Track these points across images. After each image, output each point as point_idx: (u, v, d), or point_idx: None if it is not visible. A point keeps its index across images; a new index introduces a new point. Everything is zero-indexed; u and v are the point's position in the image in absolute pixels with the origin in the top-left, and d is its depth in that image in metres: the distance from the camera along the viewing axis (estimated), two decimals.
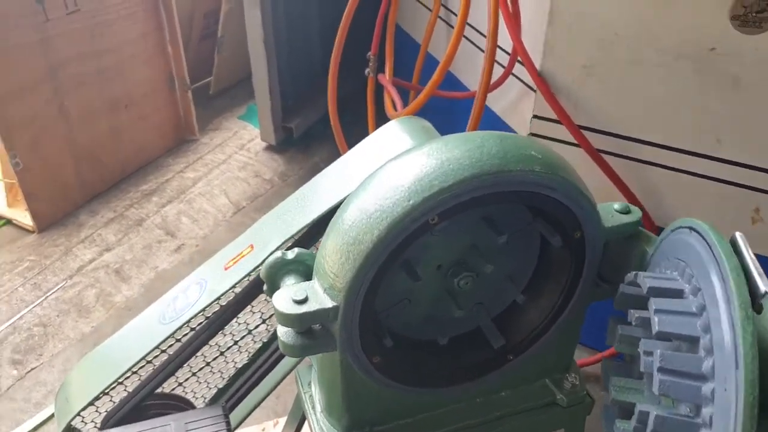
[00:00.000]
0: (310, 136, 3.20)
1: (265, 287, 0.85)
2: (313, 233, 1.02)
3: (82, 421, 1.16)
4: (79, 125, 2.62)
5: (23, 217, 2.55)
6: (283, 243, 0.99)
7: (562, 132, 1.57)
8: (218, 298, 1.00)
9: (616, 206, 0.88)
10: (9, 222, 2.58)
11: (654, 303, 0.68)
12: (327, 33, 3.16)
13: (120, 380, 1.11)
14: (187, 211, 2.69)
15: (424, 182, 0.67)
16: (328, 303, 0.72)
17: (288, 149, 3.16)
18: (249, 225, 1.09)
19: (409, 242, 0.70)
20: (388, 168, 0.72)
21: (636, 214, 0.88)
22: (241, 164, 3.04)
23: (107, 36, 2.63)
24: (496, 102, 1.98)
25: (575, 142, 1.55)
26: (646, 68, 1.40)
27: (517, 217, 0.83)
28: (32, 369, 1.96)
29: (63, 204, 2.63)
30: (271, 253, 0.97)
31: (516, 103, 1.88)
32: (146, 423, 1.03)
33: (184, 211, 2.68)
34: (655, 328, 0.65)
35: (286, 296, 0.72)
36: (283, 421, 1.55)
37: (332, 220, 0.76)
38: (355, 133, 2.71)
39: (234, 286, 1.00)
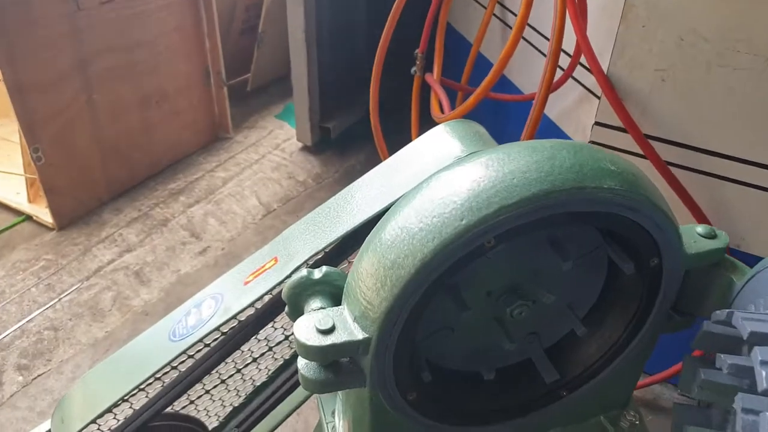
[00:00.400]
0: (347, 137, 3.15)
1: (286, 309, 0.78)
2: (344, 248, 0.94)
3: None
4: (108, 120, 2.61)
5: (43, 213, 2.55)
6: (310, 257, 0.91)
7: (626, 141, 1.47)
8: (234, 317, 0.93)
9: (700, 229, 0.79)
10: (29, 218, 2.58)
11: (759, 353, 0.58)
12: (372, 30, 3.09)
13: (122, 400, 1.06)
14: (215, 212, 2.65)
15: (481, 198, 0.59)
16: (359, 334, 0.64)
17: (324, 151, 3.12)
18: (279, 229, 1.03)
19: (457, 268, 0.62)
20: (438, 179, 0.63)
21: (723, 239, 0.79)
22: (275, 165, 3.00)
23: (141, 28, 2.62)
24: (553, 107, 1.89)
25: (641, 153, 1.44)
26: (731, 73, 1.28)
27: (585, 239, 0.75)
28: (39, 375, 1.93)
29: (87, 201, 2.62)
30: (295, 270, 0.91)
31: (574, 109, 1.78)
32: None
33: (211, 212, 2.65)
34: (763, 385, 0.56)
35: (310, 325, 0.65)
36: None
37: (369, 236, 0.68)
38: (396, 137, 2.64)
39: (252, 304, 0.93)
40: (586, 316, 0.85)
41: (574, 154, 0.62)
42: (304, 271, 0.75)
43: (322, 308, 0.73)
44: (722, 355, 0.63)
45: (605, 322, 0.83)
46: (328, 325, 0.64)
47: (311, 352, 0.64)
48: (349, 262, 1.07)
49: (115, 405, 1.05)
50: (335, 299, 0.75)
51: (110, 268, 2.31)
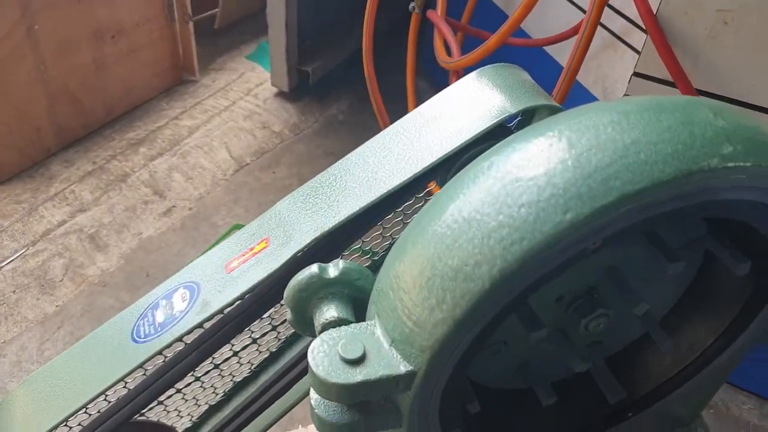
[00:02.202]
0: (328, 82, 2.96)
1: (289, 316, 0.62)
2: (355, 228, 0.77)
3: None
4: (54, 56, 2.37)
5: None
6: (312, 241, 0.74)
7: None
8: (215, 314, 0.76)
9: None
10: None
11: None
12: None
13: (80, 411, 0.90)
14: (181, 167, 2.45)
15: (595, 181, 0.42)
16: (401, 367, 0.48)
17: (302, 97, 2.92)
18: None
19: (547, 279, 0.45)
20: (520, 149, 0.46)
21: None
22: (247, 112, 2.81)
23: None
24: (563, 54, 1.73)
25: None
26: None
27: (685, 229, 0.59)
28: None
29: (31, 151, 2.40)
30: (294, 255, 0.74)
31: (593, 58, 1.62)
32: None
33: (176, 167, 2.45)
34: None
35: (331, 351, 0.48)
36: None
37: (411, 226, 0.51)
38: (390, 83, 2.48)
39: (239, 299, 0.76)
40: (662, 320, 0.71)
41: (716, 117, 0.45)
42: (314, 268, 0.59)
43: (339, 319, 0.57)
44: None
45: (687, 330, 0.71)
46: (358, 353, 0.48)
47: (335, 391, 0.47)
48: (363, 247, 0.91)
49: (65, 420, 0.89)
50: (352, 302, 0.59)
51: (61, 231, 2.12)
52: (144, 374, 0.92)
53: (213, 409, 1.16)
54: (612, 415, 0.72)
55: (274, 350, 1.11)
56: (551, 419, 0.71)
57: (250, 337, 1.06)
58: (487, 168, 0.46)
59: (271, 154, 2.61)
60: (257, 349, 1.09)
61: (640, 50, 1.36)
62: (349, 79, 3.00)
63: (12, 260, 2.00)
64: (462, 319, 0.45)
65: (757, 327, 0.66)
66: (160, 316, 0.80)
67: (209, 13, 3.24)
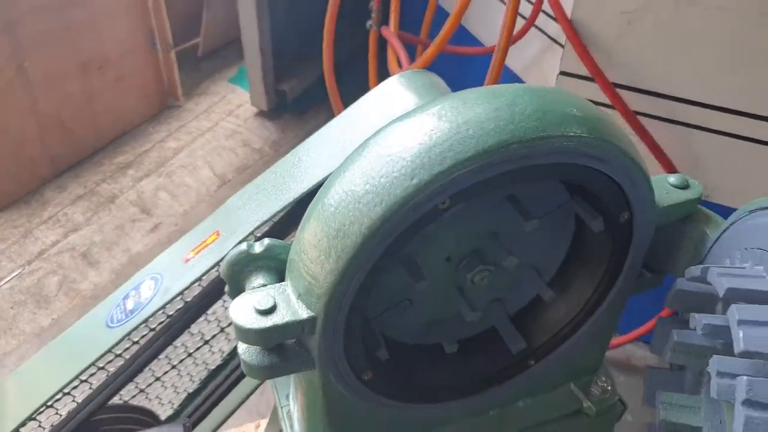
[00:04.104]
0: (306, 100, 3.08)
1: (226, 288, 0.72)
2: (293, 216, 0.88)
3: None
4: (45, 90, 2.48)
5: None
6: (255, 229, 0.85)
7: (593, 91, 1.43)
8: (176, 297, 0.87)
9: (672, 179, 0.75)
10: None
11: (737, 311, 0.55)
12: None
13: (65, 391, 0.99)
14: (167, 186, 2.56)
15: (434, 153, 0.53)
16: (303, 313, 0.59)
17: (281, 115, 3.04)
18: None
19: (410, 234, 0.56)
20: (385, 134, 0.57)
21: (696, 189, 0.76)
22: (229, 132, 2.91)
23: None
24: (515, 59, 1.83)
25: (609, 103, 1.40)
26: (701, 13, 1.23)
27: (549, 195, 0.70)
28: None
29: (27, 179, 2.50)
30: (238, 244, 0.84)
31: (538, 59, 1.73)
32: None
33: (162, 186, 2.56)
34: (740, 346, 0.52)
35: (248, 305, 0.59)
36: (264, 423, 1.44)
37: (312, 203, 0.62)
38: (357, 96, 2.58)
39: (195, 282, 0.87)
40: (552, 279, 0.81)
41: (536, 99, 0.57)
42: (243, 246, 0.69)
43: (265, 286, 0.67)
44: (696, 315, 0.60)
45: (573, 285, 0.79)
46: (269, 305, 0.59)
47: (251, 335, 0.58)
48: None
49: (54, 399, 0.99)
50: (280, 275, 0.69)
51: (54, 251, 2.22)
52: (122, 359, 1.03)
53: (191, 396, 1.25)
54: (516, 363, 0.80)
55: None
56: (462, 368, 0.80)
57: (218, 326, 1.16)
58: (362, 148, 0.58)
59: (252, 169, 2.71)
60: (226, 338, 1.19)
61: None
62: (326, 96, 3.11)
63: (9, 280, 2.10)
64: (345, 269, 0.55)
65: (625, 280, 0.76)
66: (130, 304, 0.91)
67: (192, 42, 3.35)
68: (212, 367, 1.21)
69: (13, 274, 2.12)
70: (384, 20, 2.08)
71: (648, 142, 1.43)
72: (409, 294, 0.71)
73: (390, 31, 1.94)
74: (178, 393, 1.22)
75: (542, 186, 0.68)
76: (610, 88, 1.37)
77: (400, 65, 1.83)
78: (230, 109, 3.09)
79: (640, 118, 1.43)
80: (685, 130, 1.46)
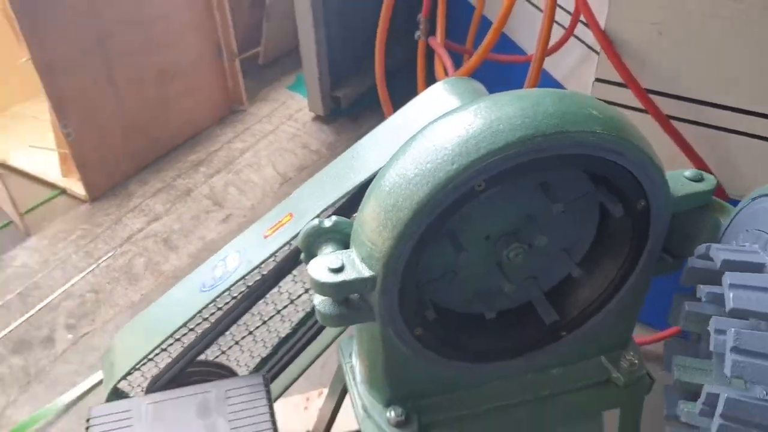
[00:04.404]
0: (359, 105, 3.16)
1: (302, 256, 0.83)
2: (353, 201, 0.99)
3: (129, 385, 1.19)
4: (129, 96, 2.66)
5: (77, 187, 2.63)
6: (322, 211, 0.96)
7: (627, 97, 1.48)
8: (257, 267, 0.99)
9: (687, 173, 0.82)
10: (63, 192, 2.67)
11: (729, 277, 0.62)
12: None
13: (162, 347, 1.13)
14: (235, 182, 2.71)
15: (470, 144, 0.63)
16: (366, 272, 0.69)
17: (336, 119, 3.14)
18: None
19: (452, 210, 0.66)
20: (431, 129, 0.67)
21: (709, 182, 0.82)
22: (289, 135, 3.04)
23: (154, 4, 2.65)
24: (556, 66, 1.89)
25: (642, 107, 1.45)
26: (724, 23, 1.28)
27: (576, 185, 0.78)
28: (85, 334, 2.03)
29: (114, 174, 2.69)
30: (308, 222, 0.96)
31: (577, 67, 1.78)
32: (188, 389, 1.05)
33: (231, 182, 2.71)
34: (730, 305, 0.60)
35: (322, 264, 0.70)
36: (326, 390, 1.55)
37: (371, 185, 0.72)
38: (405, 101, 2.68)
39: (272, 255, 0.99)
40: (582, 259, 0.87)
41: (559, 101, 0.66)
42: (316, 221, 0.80)
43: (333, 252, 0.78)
44: (701, 286, 0.67)
45: (600, 265, 0.86)
46: (338, 265, 0.69)
47: (324, 288, 0.69)
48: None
49: (154, 353, 1.13)
50: (345, 245, 0.79)
51: (141, 236, 2.40)
52: (208, 322, 1.15)
53: (264, 361, 1.37)
54: (549, 333, 0.87)
55: (308, 310, 1.32)
56: (500, 334, 0.87)
57: (289, 299, 1.28)
58: (411, 140, 0.68)
59: (310, 169, 2.84)
60: (295, 309, 1.30)
61: None
62: (377, 102, 3.19)
63: (105, 259, 2.29)
64: (399, 236, 0.65)
65: (646, 261, 0.82)
66: (218, 273, 1.04)
67: (254, 51, 3.50)
68: (282, 335, 1.32)
69: (108, 255, 2.30)
70: (431, 31, 2.17)
71: (680, 144, 1.48)
72: (454, 266, 0.80)
73: (437, 42, 2.03)
74: (252, 357, 1.33)
75: (569, 176, 0.77)
76: (643, 93, 1.43)
77: (446, 73, 1.92)
78: (290, 113, 3.22)
79: (673, 122, 1.48)
80: (716, 132, 1.49)
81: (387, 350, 0.79)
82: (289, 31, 3.50)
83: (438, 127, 0.66)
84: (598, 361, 0.94)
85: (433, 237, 0.68)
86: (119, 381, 1.14)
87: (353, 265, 0.70)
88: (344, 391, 1.30)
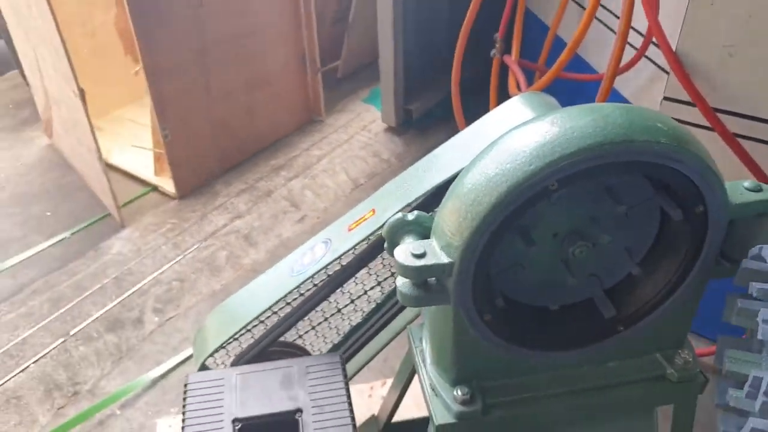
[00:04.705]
0: (428, 118, 3.26)
1: (385, 245, 0.92)
2: (429, 201, 1.07)
3: (214, 362, 1.31)
4: (220, 102, 2.84)
5: (167, 184, 2.83)
6: (402, 208, 1.05)
7: (694, 115, 1.51)
8: (341, 256, 1.09)
9: (746, 184, 0.86)
10: (155, 189, 2.87)
11: None
12: (453, 17, 3.18)
13: (248, 328, 1.24)
14: (311, 186, 2.85)
15: (546, 148, 0.70)
16: (444, 259, 0.77)
17: (407, 131, 3.25)
18: None
19: (527, 207, 0.73)
20: (511, 135, 0.75)
21: (767, 192, 0.85)
22: (362, 144, 3.17)
23: (249, 19, 2.83)
24: (626, 85, 1.92)
25: (708, 125, 1.48)
26: None
27: (639, 190, 0.84)
28: (171, 318, 2.19)
29: (202, 174, 2.88)
30: (389, 218, 1.05)
31: (646, 86, 1.81)
32: (272, 363, 1.15)
33: (308, 186, 2.85)
34: None
35: (407, 250, 0.78)
36: (390, 381, 1.63)
37: (453, 183, 0.81)
38: (476, 115, 2.75)
39: (356, 246, 1.08)
40: (641, 260, 0.92)
41: (627, 113, 0.72)
42: (400, 215, 0.89)
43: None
44: (753, 283, 0.72)
45: (658, 266, 0.90)
46: (421, 251, 0.78)
47: (407, 271, 0.77)
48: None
49: (240, 334, 1.24)
50: (424, 237, 0.87)
51: (224, 231, 2.56)
52: (290, 307, 1.25)
53: (335, 347, 1.46)
54: (607, 327, 0.92)
55: (379, 302, 1.41)
56: (562, 325, 0.92)
57: (362, 289, 1.37)
58: (492, 145, 0.76)
59: (380, 176, 2.95)
60: (367, 300, 1.39)
61: None
62: (445, 117, 3.25)
63: (191, 251, 2.46)
64: (477, 227, 0.73)
65: (702, 264, 0.86)
66: (306, 260, 1.14)
67: (332, 65, 3.66)
68: (354, 323, 1.41)
69: (194, 248, 2.48)
70: (506, 50, 2.24)
71: (744, 160, 1.48)
72: (523, 260, 0.87)
73: (511, 59, 2.10)
74: (326, 343, 1.42)
75: (632, 181, 0.82)
76: (710, 112, 1.45)
77: (519, 88, 1.99)
78: (364, 124, 3.34)
79: (740, 140, 1.49)
80: None
81: (457, 333, 0.87)
82: (367, 47, 3.65)
83: (518, 133, 0.74)
84: (654, 357, 0.98)
85: (507, 231, 0.75)
86: (210, 356, 1.25)
87: (434, 252, 0.78)
88: (408, 381, 1.38)
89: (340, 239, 1.11)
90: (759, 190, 0.85)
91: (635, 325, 0.93)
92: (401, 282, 0.80)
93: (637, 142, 0.70)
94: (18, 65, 3.39)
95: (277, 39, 3.01)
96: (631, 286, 0.93)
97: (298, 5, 3.03)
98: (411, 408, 1.53)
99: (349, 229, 1.11)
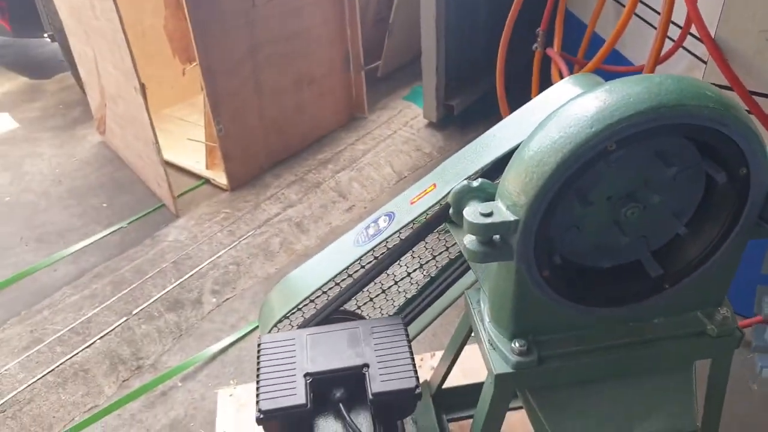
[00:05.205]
0: (468, 114, 3.33)
1: (451, 210, 1.00)
2: (488, 174, 1.14)
3: (279, 332, 1.38)
4: (270, 100, 2.95)
5: (219, 177, 2.95)
6: (460, 182, 1.12)
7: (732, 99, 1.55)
8: (405, 226, 1.16)
9: None
10: (207, 181, 3.00)
11: None
12: (493, 17, 3.25)
13: (312, 298, 1.31)
14: (357, 178, 2.94)
15: (606, 112, 0.77)
16: (510, 217, 0.84)
17: (447, 126, 3.31)
18: None
19: (586, 168, 0.80)
20: (572, 104, 0.82)
21: None
22: (405, 139, 3.24)
23: (297, 20, 2.94)
24: None
25: (746, 108, 1.52)
26: None
27: (687, 155, 0.89)
28: (228, 299, 2.30)
29: (252, 167, 2.99)
30: (449, 192, 1.13)
31: (689, 75, 1.85)
32: (339, 324, 1.22)
33: (354, 178, 2.94)
34: None
35: (476, 210, 0.86)
36: (439, 354, 1.71)
37: (517, 150, 0.88)
38: (517, 107, 2.80)
39: (420, 216, 1.16)
40: (688, 221, 0.97)
41: (678, 82, 0.79)
42: (465, 182, 0.97)
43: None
44: None
45: (703, 226, 0.96)
46: (488, 211, 0.85)
47: (476, 228, 0.84)
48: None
49: (303, 304, 1.31)
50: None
51: (276, 220, 2.67)
52: (351, 278, 1.32)
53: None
54: (654, 285, 0.98)
55: (433, 275, 1.47)
56: (614, 283, 0.98)
57: (418, 262, 1.44)
58: (554, 114, 0.83)
59: (423, 169, 3.02)
60: (422, 272, 1.46)
61: None
62: (484, 111, 3.33)
63: (246, 237, 2.57)
64: (542, 186, 0.80)
65: (743, 224, 0.91)
66: (371, 231, 1.22)
67: (373, 65, 3.75)
68: (409, 296, 1.48)
69: (248, 234, 2.59)
70: (547, 43, 2.30)
71: None
72: (580, 221, 0.94)
73: (554, 51, 2.16)
74: (381, 314, 1.50)
75: (681, 147, 0.89)
76: (747, 95, 1.49)
77: (561, 77, 2.04)
78: (406, 120, 3.42)
79: None
80: None
81: (518, 288, 0.93)
82: (407, 47, 3.74)
83: (578, 101, 0.81)
84: (695, 315, 1.03)
85: (569, 190, 0.82)
86: (275, 325, 1.33)
87: (500, 211, 0.85)
88: (459, 351, 1.46)
89: (403, 212, 1.19)
90: None
91: (679, 284, 0.98)
92: (469, 239, 0.87)
93: (689, 106, 0.77)
94: (71, 66, 3.55)
95: (323, 39, 3.12)
96: (676, 246, 0.99)
97: (343, 7, 3.13)
98: (459, 376, 1.60)
99: (412, 203, 1.19)
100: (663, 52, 1.92)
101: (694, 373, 1.08)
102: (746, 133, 0.82)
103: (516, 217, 0.84)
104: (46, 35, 3.85)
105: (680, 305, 1.03)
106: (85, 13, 2.70)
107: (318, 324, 1.34)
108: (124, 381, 2.00)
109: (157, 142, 2.60)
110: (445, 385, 1.56)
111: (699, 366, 1.08)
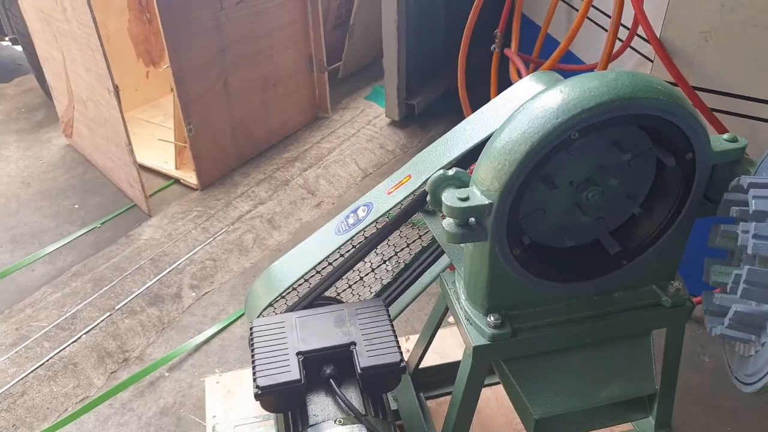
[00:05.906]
0: (429, 112, 3.39)
1: (428, 198, 1.06)
2: (462, 164, 1.21)
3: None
4: (238, 100, 2.95)
5: (189, 176, 2.93)
6: (436, 171, 1.18)
7: None
8: (384, 215, 1.22)
9: (725, 136, 1.01)
10: (177, 181, 2.98)
11: (752, 191, 0.81)
12: (451, 20, 3.33)
13: (294, 287, 1.35)
14: (325, 175, 2.98)
15: (570, 105, 0.85)
16: (485, 201, 0.91)
17: (409, 124, 3.37)
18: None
19: (552, 155, 0.87)
20: (537, 98, 0.89)
21: (742, 142, 1.01)
22: (368, 137, 3.29)
23: (263, 22, 2.95)
24: None
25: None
26: (763, 32, 1.46)
27: (639, 143, 0.98)
28: (206, 293, 2.31)
29: (221, 167, 2.99)
30: (424, 182, 1.19)
31: None
32: (325, 308, 1.27)
33: (322, 175, 2.97)
34: (752, 209, 0.79)
35: (453, 195, 0.92)
36: (413, 338, 1.77)
37: (489, 141, 0.94)
38: (477, 106, 2.88)
39: (397, 204, 1.21)
40: (642, 203, 1.06)
41: (632, 77, 0.87)
42: (441, 171, 1.03)
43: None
44: (733, 207, 0.86)
45: (656, 207, 1.05)
46: (465, 195, 0.92)
47: (454, 211, 0.91)
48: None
49: (287, 292, 1.35)
50: None
51: (248, 216, 2.68)
52: (331, 266, 1.37)
53: None
54: (613, 261, 1.06)
55: (407, 262, 1.53)
56: (575, 261, 1.06)
57: (393, 251, 1.49)
58: (520, 109, 0.90)
59: (387, 165, 3.08)
60: (397, 261, 1.52)
61: None
62: (444, 110, 3.42)
63: (220, 234, 2.58)
64: (513, 172, 0.87)
65: (691, 204, 1.01)
66: (350, 220, 1.27)
67: (334, 66, 3.77)
68: (385, 282, 1.54)
69: (222, 231, 2.59)
70: (505, 44, 2.39)
71: (720, 131, 1.64)
72: (545, 205, 1.02)
73: (512, 52, 2.25)
74: (360, 300, 1.55)
75: (633, 136, 0.97)
76: (691, 90, 1.60)
77: (519, 76, 2.13)
78: (368, 119, 3.46)
79: (715, 113, 1.65)
80: (753, 122, 1.64)
81: (491, 267, 1.01)
82: (366, 49, 3.78)
83: (543, 96, 0.88)
84: (651, 288, 1.13)
85: (536, 175, 0.90)
86: (260, 313, 1.36)
87: (475, 196, 0.92)
88: (433, 334, 1.52)
89: (381, 201, 1.25)
90: (735, 141, 1.00)
91: (636, 260, 1.07)
92: (447, 222, 0.94)
93: (641, 99, 0.85)
94: (35, 70, 3.46)
95: (287, 41, 3.14)
96: (632, 225, 1.08)
97: (306, 8, 3.16)
98: (435, 357, 1.67)
99: (389, 193, 1.25)
100: (613, 52, 2.03)
101: (652, 342, 1.17)
102: (692, 122, 0.90)
103: (490, 201, 0.91)
104: (7, 38, 3.74)
105: (637, 279, 1.12)
106: (55, 17, 2.66)
107: (303, 309, 1.39)
108: (112, 373, 2.00)
109: (130, 143, 2.58)
110: (422, 366, 1.62)
111: (655, 337, 1.16)
